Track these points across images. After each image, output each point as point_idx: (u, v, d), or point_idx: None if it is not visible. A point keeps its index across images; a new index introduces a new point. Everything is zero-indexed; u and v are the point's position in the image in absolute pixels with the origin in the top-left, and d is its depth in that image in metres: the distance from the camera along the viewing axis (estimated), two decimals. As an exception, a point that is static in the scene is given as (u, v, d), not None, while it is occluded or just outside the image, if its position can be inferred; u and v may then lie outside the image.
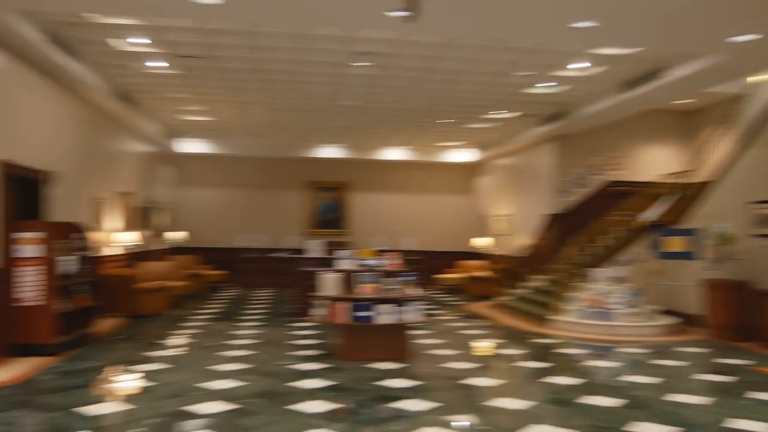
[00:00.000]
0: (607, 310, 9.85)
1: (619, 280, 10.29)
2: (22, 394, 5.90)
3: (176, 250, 16.27)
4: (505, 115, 12.71)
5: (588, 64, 9.11)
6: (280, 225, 17.82)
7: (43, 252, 7.41)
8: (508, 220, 15.92)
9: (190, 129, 15.34)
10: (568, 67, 9.24)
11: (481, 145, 17.14)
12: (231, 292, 15.45)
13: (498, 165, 17.07)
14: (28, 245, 7.37)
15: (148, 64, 9.32)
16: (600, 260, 11.18)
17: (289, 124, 14.28)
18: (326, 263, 9.73)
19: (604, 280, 10.33)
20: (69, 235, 8.05)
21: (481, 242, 16.98)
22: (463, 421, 5.29)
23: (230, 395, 5.83)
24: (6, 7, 6.41)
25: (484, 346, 8.89)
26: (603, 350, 8.57)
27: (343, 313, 7.38)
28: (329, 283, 7.56)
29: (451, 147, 17.48)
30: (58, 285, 7.60)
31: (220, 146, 17.05)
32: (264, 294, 15.22)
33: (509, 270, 13.64)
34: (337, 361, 7.36)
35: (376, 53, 8.64)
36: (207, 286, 15.21)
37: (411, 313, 7.50)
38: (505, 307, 12.50)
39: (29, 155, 8.02)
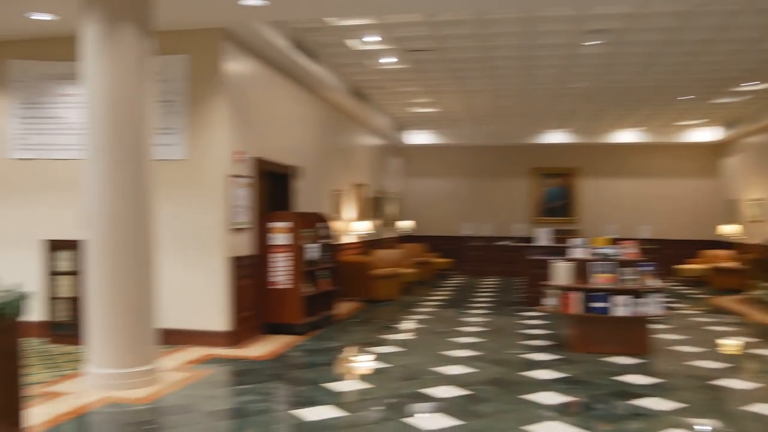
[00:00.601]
0: None
1: None
2: (275, 368, 6.52)
3: (404, 238, 16.93)
4: (759, 86, 11.32)
5: None
6: (505, 213, 17.70)
7: (292, 240, 8.12)
8: (761, 204, 14.22)
9: (416, 121, 15.84)
10: (842, 26, 7.97)
11: (728, 122, 15.47)
12: (457, 280, 15.72)
13: (749, 143, 15.26)
14: (280, 234, 8.12)
15: (381, 60, 9.76)
16: None
17: (514, 111, 14.10)
18: (555, 251, 9.47)
19: None
20: (314, 224, 8.74)
21: (728, 230, 15.37)
22: (710, 425, 4.82)
23: (462, 381, 5.92)
24: (259, 19, 7.11)
25: (734, 345, 8.04)
26: None
27: (576, 304, 7.12)
28: (561, 272, 7.34)
29: (692, 126, 16.02)
30: (305, 270, 8.29)
31: (445, 136, 17.37)
32: (490, 282, 15.26)
33: (764, 261, 12.18)
34: (568, 353, 7.13)
35: (610, 30, 8.17)
36: (434, 273, 15.62)
37: (650, 306, 7.01)
38: (759, 302, 11.20)
39: (278, 152, 8.83)
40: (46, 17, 6.84)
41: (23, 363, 3.52)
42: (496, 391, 5.61)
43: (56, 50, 7.52)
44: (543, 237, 11.28)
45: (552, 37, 8.49)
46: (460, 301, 11.72)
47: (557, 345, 7.59)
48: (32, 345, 7.16)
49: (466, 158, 17.96)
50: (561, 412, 5.03)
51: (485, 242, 17.22)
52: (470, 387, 5.70)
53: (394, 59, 9.69)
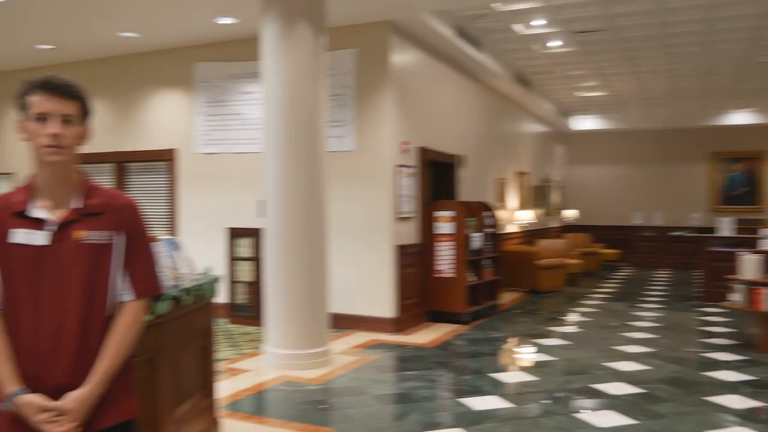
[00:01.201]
0: None
1: None
2: (439, 355, 6.58)
3: (567, 227, 16.39)
4: None
5: None
6: (679, 201, 16.45)
7: (457, 229, 8.14)
8: None
9: (581, 106, 15.23)
10: None
11: None
12: (625, 272, 14.97)
13: None
14: (444, 222, 8.18)
15: (548, 44, 9.48)
16: None
17: (692, 91, 13.11)
18: (739, 243, 8.72)
19: None
20: (478, 213, 8.71)
21: None
22: None
23: (635, 378, 5.63)
24: (426, 9, 7.17)
25: None
26: None
27: (766, 300, 6.51)
28: (750, 265, 6.73)
29: None
30: (469, 259, 8.29)
31: (613, 121, 16.54)
32: (662, 275, 14.38)
33: None
34: (756, 354, 6.54)
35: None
36: (600, 264, 14.97)
37: None
38: None
39: (441, 141, 8.88)
40: (228, 21, 7.37)
41: (215, 340, 3.85)
42: (674, 391, 5.28)
43: (236, 51, 8.09)
44: (725, 227, 10.41)
45: (740, 7, 7.76)
46: (629, 294, 11.16)
47: (743, 345, 7.00)
48: (217, 325, 7.78)
49: (635, 143, 16.94)
50: (748, 418, 4.63)
51: (657, 232, 16.22)
52: (644, 385, 5.41)
53: (560, 42, 9.37)
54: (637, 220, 16.59)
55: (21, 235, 1.83)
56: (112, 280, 1.91)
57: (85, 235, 1.87)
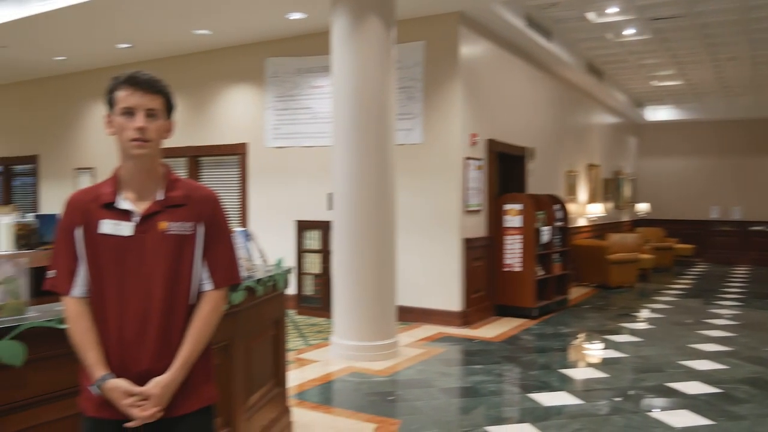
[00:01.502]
0: None
1: None
2: (507, 350, 6.52)
3: (638, 221, 15.93)
4: None
5: None
6: (758, 195, 15.64)
7: (526, 222, 8.03)
8: None
9: (655, 96, 14.74)
10: None
11: None
12: (700, 268, 14.45)
13: None
14: (513, 216, 8.08)
15: (622, 33, 9.20)
16: None
17: (774, 80, 12.51)
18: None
19: None
20: (549, 206, 8.56)
21: None
22: None
23: (711, 377, 5.44)
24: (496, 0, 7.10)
25: None
26: None
27: None
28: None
29: None
30: (537, 253, 8.16)
31: (687, 111, 15.93)
32: (740, 271, 13.81)
33: None
34: None
35: None
36: (673, 260, 14.48)
37: None
38: None
39: (509, 133, 8.76)
40: (299, 16, 7.47)
41: (286, 330, 3.92)
42: (754, 392, 5.07)
43: (307, 46, 8.20)
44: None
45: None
46: (705, 291, 10.76)
47: (829, 346, 6.67)
48: (286, 315, 7.92)
49: (712, 134, 16.21)
50: (836, 422, 4.42)
51: (735, 227, 15.56)
52: (722, 385, 5.22)
53: (634, 30, 9.09)
54: (713, 214, 15.96)
55: (109, 226, 1.91)
56: (194, 270, 1.97)
57: (168, 226, 1.93)
